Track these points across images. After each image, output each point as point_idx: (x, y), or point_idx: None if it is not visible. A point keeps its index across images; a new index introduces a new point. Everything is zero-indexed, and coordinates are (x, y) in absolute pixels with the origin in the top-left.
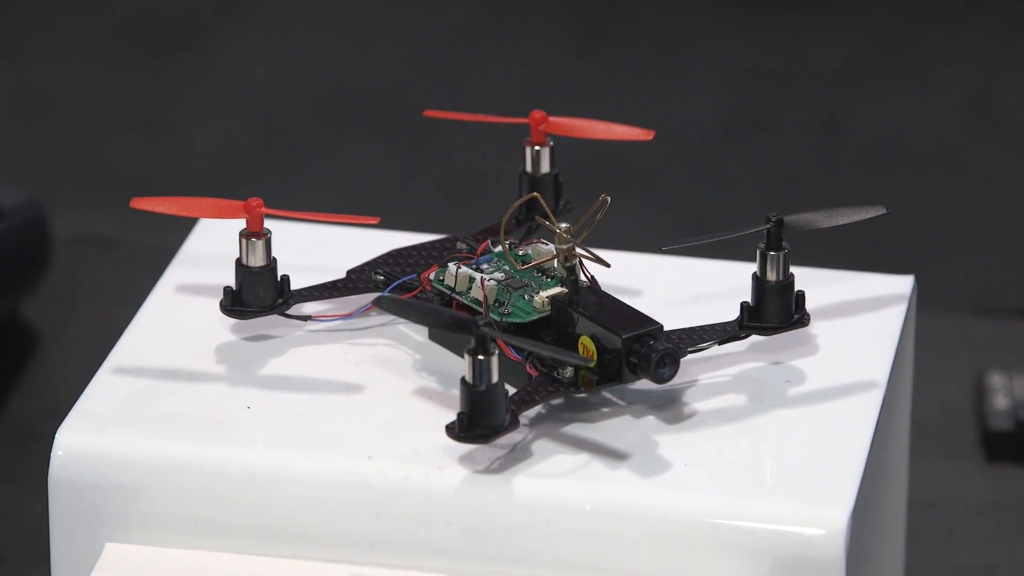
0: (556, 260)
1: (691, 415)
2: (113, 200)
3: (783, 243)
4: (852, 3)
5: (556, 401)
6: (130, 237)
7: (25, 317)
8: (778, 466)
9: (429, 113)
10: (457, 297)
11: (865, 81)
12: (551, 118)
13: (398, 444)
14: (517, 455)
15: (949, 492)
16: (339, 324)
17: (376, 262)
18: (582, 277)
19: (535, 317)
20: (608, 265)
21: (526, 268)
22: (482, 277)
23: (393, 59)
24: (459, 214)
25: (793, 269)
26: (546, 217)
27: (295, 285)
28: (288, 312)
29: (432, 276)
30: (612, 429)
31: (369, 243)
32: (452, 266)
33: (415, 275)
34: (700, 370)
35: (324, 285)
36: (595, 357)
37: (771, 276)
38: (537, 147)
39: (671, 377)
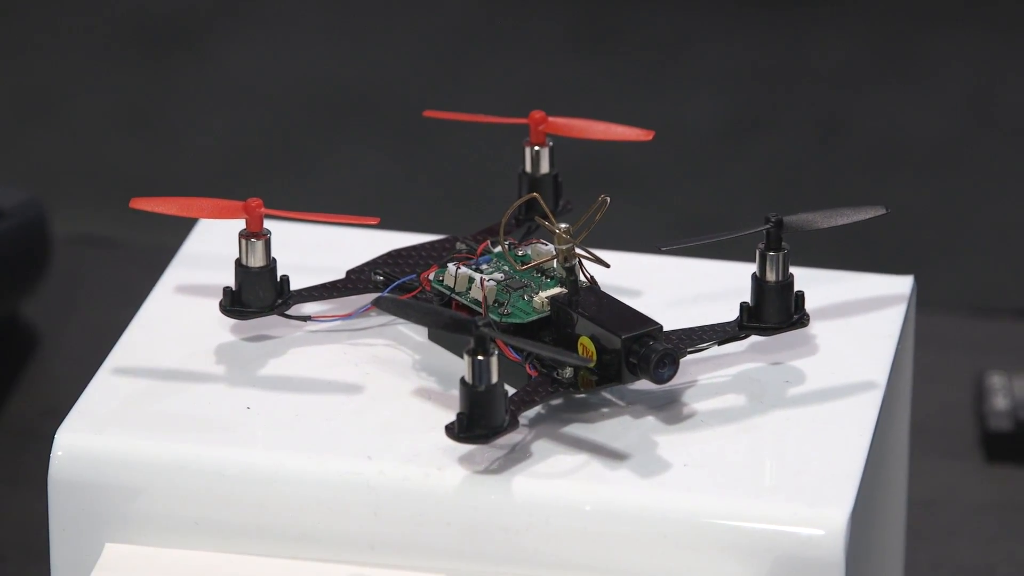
0: (555, 260)
1: (690, 415)
2: (113, 200)
3: (782, 243)
4: (851, 3)
5: (556, 401)
6: (130, 237)
7: (25, 317)
8: (777, 466)
9: (429, 113)
10: (456, 297)
11: (864, 81)
12: (550, 118)
13: (398, 444)
14: (517, 455)
15: (949, 492)
16: (339, 324)
17: (376, 262)
18: (581, 277)
19: (534, 317)
20: (607, 265)
21: (525, 268)
22: (481, 277)
23: (393, 59)
24: (459, 214)
25: (792, 269)
26: (545, 217)
27: (295, 285)
28: (288, 312)
29: (432, 276)
30: (611, 429)
31: (368, 243)
32: (452, 266)
33: (414, 275)
34: (700, 370)
35: (324, 285)
36: (594, 357)
37: (770, 276)
38: (537, 147)
39: (671, 377)
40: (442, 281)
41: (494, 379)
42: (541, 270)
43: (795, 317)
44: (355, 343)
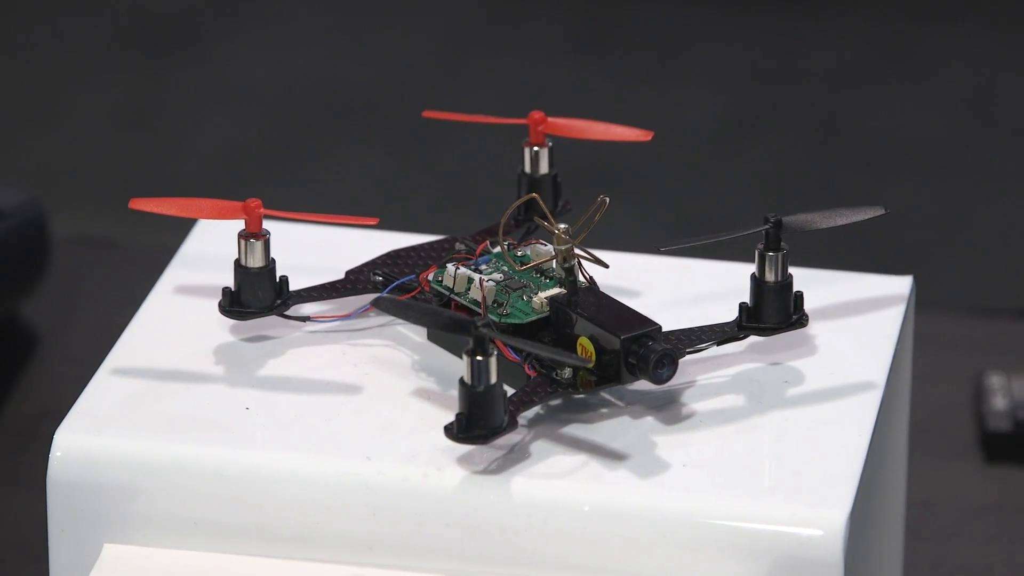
0: (555, 261)
1: (690, 416)
2: (112, 200)
3: (782, 244)
4: (851, 4)
5: (555, 402)
6: (129, 238)
7: (24, 317)
8: (776, 467)
9: (428, 114)
10: (456, 298)
11: (864, 82)
12: (550, 119)
13: (396, 445)
14: (515, 456)
15: (948, 493)
16: (338, 325)
17: (375, 263)
18: (581, 278)
19: (534, 318)
20: (607, 266)
21: (525, 269)
22: (481, 278)
23: (392, 60)
24: (458, 215)
25: (791, 270)
26: (545, 218)
27: (294, 286)
28: (287, 313)
29: (431, 277)
30: (610, 430)
31: (368, 244)
32: (451, 267)
33: (414, 276)
34: (699, 371)
35: (323, 286)
36: (593, 358)
37: (770, 277)
38: (536, 148)
39: (669, 378)
40: (441, 281)
41: (493, 379)
42: (540, 270)
43: (794, 317)
44: (354, 343)
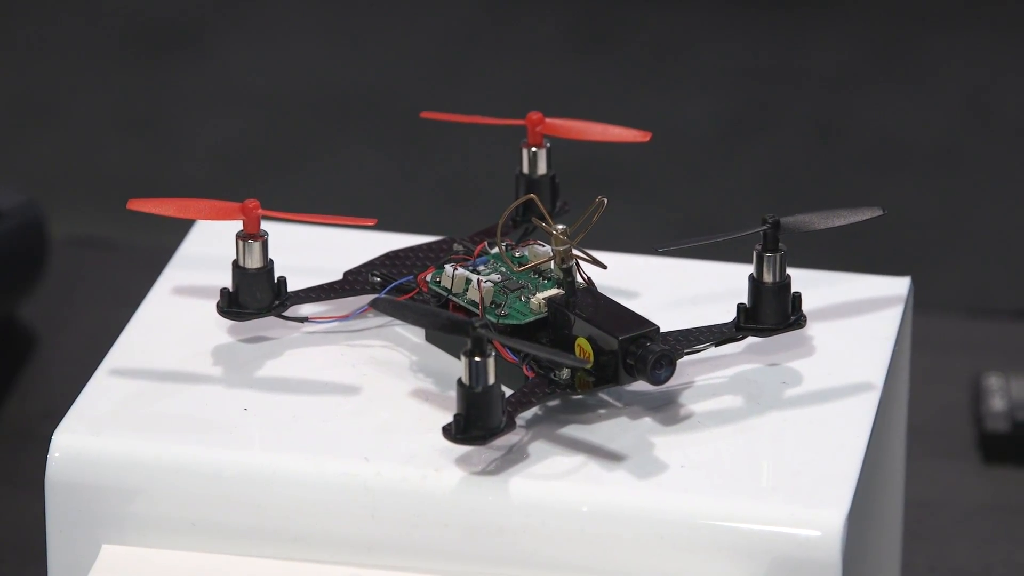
0: (553, 262)
1: (688, 416)
2: (111, 202)
3: (779, 244)
4: (849, 5)
5: (553, 403)
6: (127, 239)
7: (23, 318)
8: (774, 467)
9: (426, 115)
10: (454, 299)
11: (862, 82)
12: (548, 120)
13: (395, 446)
14: (514, 457)
15: (946, 493)
16: (336, 326)
17: (373, 264)
18: (579, 279)
19: (532, 319)
20: (605, 267)
21: (523, 270)
22: (479, 279)
23: (390, 61)
24: (456, 216)
25: (789, 271)
26: (543, 219)
27: (292, 287)
28: (285, 314)
29: (429, 278)
30: (609, 431)
31: (366, 245)
32: (449, 268)
33: (412, 277)
34: (696, 372)
35: (321, 287)
36: (591, 359)
37: (767, 278)
38: (534, 149)
39: (667, 379)
40: (439, 282)
41: (491, 380)
42: (538, 271)
43: (792, 318)
44: (352, 344)
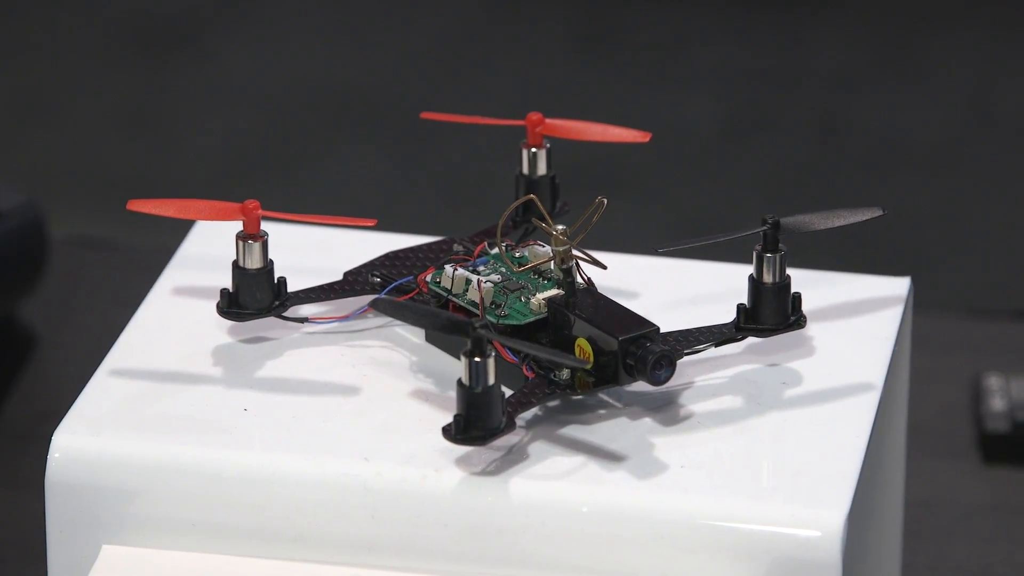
0: (553, 262)
1: (687, 417)
2: (111, 202)
3: (779, 245)
4: (849, 4)
5: (552, 403)
6: (127, 239)
7: (23, 319)
8: (774, 468)
9: (426, 115)
10: (453, 299)
11: (862, 82)
12: (548, 120)
13: (395, 446)
14: (514, 457)
15: (946, 494)
16: (336, 326)
17: (373, 264)
18: (578, 279)
19: (531, 319)
20: (604, 267)
21: (523, 270)
22: (478, 279)
23: (390, 61)
24: (456, 216)
25: (789, 271)
26: (543, 219)
27: (292, 287)
28: (285, 314)
29: (429, 278)
30: (608, 431)
31: (366, 245)
32: (449, 268)
33: (412, 277)
34: (696, 372)
35: (321, 287)
36: (591, 359)
37: (767, 278)
38: (534, 149)
39: (667, 379)
40: (439, 283)
41: (491, 381)
42: (538, 272)
43: (792, 319)
44: (352, 345)
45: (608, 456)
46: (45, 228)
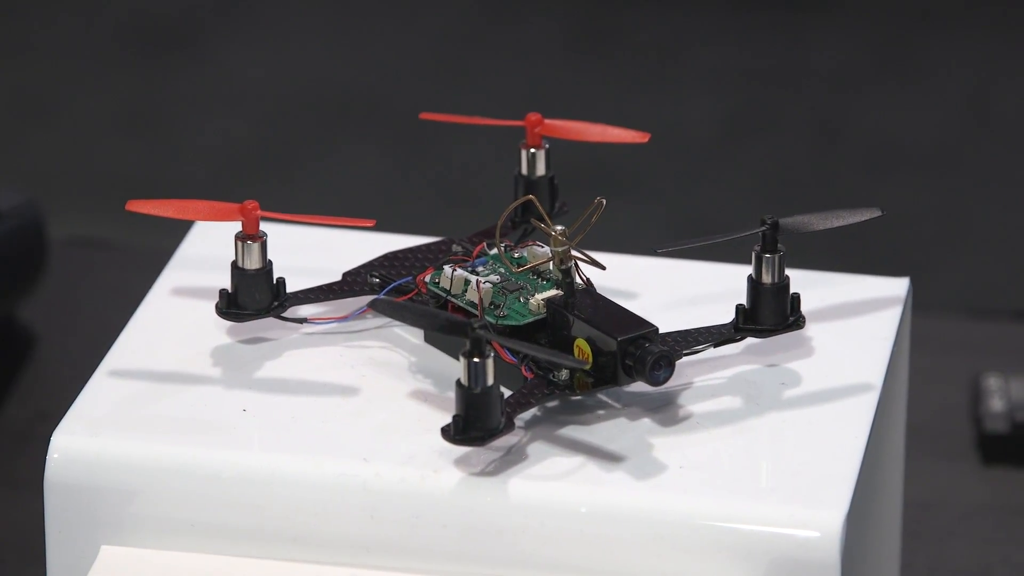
0: (551, 263)
1: (686, 417)
2: (110, 202)
3: (778, 245)
4: (849, 5)
5: (551, 403)
6: (126, 239)
7: (22, 319)
8: (773, 468)
9: (425, 116)
10: (453, 300)
11: (861, 83)
12: (547, 120)
13: (394, 447)
14: (513, 457)
15: (945, 494)
16: (335, 327)
17: (372, 265)
18: (577, 279)
19: (530, 320)
20: (603, 267)
21: (522, 271)
22: (477, 280)
23: (389, 61)
24: (455, 216)
25: (788, 271)
26: (542, 219)
27: (291, 288)
28: (284, 315)
29: (428, 279)
30: (607, 431)
31: (365, 246)
32: (448, 268)
33: (411, 278)
34: (695, 372)
35: (320, 288)
36: (590, 359)
37: (766, 278)
38: (533, 149)
39: (666, 379)
40: (438, 283)
41: (490, 381)
42: (537, 272)
43: (791, 319)
44: (351, 345)
45: (607, 456)
46: (45, 228)
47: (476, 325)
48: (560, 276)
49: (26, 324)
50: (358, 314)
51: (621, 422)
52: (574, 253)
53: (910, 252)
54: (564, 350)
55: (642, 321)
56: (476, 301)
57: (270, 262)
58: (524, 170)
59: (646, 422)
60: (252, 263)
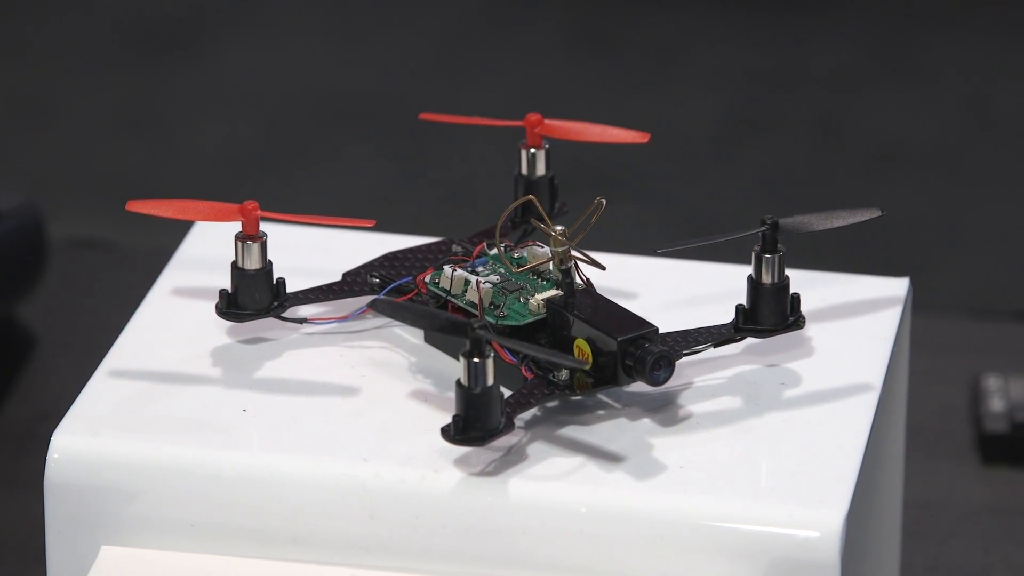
0: (551, 263)
1: (686, 417)
2: (110, 202)
3: (778, 245)
4: (849, 5)
5: (551, 404)
6: (126, 240)
7: (22, 320)
8: (773, 468)
9: (425, 116)
10: (452, 300)
11: (862, 83)
12: (547, 121)
13: (394, 447)
14: (512, 458)
15: (945, 494)
16: (335, 327)
17: (372, 265)
18: (577, 280)
19: (530, 320)
20: (603, 268)
21: (521, 271)
22: (477, 280)
23: (389, 62)
24: (455, 217)
25: (788, 271)
26: (541, 220)
27: (291, 288)
28: (284, 315)
29: (428, 279)
30: (607, 431)
31: (365, 246)
32: (448, 269)
33: (411, 278)
34: (695, 372)
35: (320, 288)
36: (590, 360)
37: (766, 279)
38: (533, 150)
39: (666, 380)
40: (438, 283)
41: (490, 381)
42: (537, 272)
43: (791, 319)
44: (351, 345)
45: (607, 457)
46: (44, 228)
47: (476, 325)
48: (560, 276)
49: (26, 324)
50: (358, 314)
51: (621, 422)
52: (574, 253)
53: (910, 252)
54: (564, 350)
55: (642, 321)
56: (476, 301)
57: (270, 262)
58: (524, 170)
59: (646, 422)
60: (252, 263)
